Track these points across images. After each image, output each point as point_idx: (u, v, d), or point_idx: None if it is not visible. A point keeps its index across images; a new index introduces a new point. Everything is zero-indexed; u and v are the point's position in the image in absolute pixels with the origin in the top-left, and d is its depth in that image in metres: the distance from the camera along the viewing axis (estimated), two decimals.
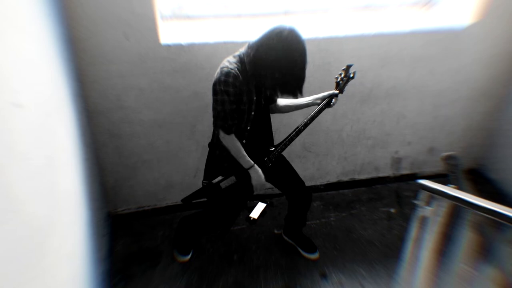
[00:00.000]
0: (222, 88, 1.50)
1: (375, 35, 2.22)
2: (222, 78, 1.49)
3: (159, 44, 1.94)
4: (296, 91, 1.55)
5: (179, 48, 1.98)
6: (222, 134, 1.63)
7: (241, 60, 1.56)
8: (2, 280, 0.85)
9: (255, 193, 1.76)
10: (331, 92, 1.83)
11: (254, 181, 1.72)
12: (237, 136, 1.67)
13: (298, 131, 1.78)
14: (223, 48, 2.00)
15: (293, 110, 1.91)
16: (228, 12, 2.14)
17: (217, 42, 2.01)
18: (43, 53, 1.41)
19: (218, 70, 1.53)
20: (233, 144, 1.65)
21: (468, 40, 2.35)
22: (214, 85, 1.53)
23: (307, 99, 1.86)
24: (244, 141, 1.71)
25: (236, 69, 1.51)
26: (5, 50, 1.03)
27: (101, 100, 2.02)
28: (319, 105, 1.82)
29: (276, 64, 1.46)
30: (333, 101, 1.83)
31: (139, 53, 1.94)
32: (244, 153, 1.67)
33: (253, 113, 1.65)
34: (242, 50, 1.59)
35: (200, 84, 2.09)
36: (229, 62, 1.55)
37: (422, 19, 2.36)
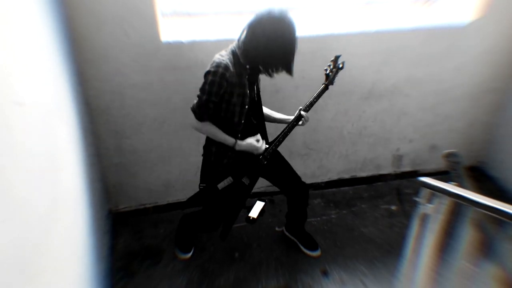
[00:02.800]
0: (209, 77, 1.53)
1: (376, 32, 2.21)
2: (212, 68, 1.52)
3: (160, 42, 1.93)
4: (289, 66, 1.56)
5: (179, 45, 1.97)
6: (194, 120, 1.64)
7: (233, 53, 1.57)
8: (4, 278, 0.85)
9: (257, 153, 1.75)
10: (297, 114, 1.79)
11: (248, 150, 1.72)
12: (230, 131, 1.68)
13: (292, 126, 1.78)
14: (224, 45, 1.99)
15: (268, 121, 1.89)
16: (228, 9, 2.13)
17: (218, 39, 2.00)
18: (44, 51, 1.41)
19: (211, 62, 1.56)
20: (207, 129, 1.67)
21: (469, 37, 2.34)
22: (204, 74, 1.56)
23: (281, 116, 1.88)
24: (239, 135, 1.71)
25: (227, 60, 1.53)
26: (6, 48, 1.03)
27: (102, 98, 2.02)
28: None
29: (265, 45, 1.48)
30: (302, 120, 1.79)
31: (139, 50, 1.93)
32: (223, 134, 1.67)
33: (247, 106, 1.66)
34: (234, 44, 1.60)
35: (201, 81, 2.07)
36: (220, 54, 1.57)
37: (424, 16, 2.35)
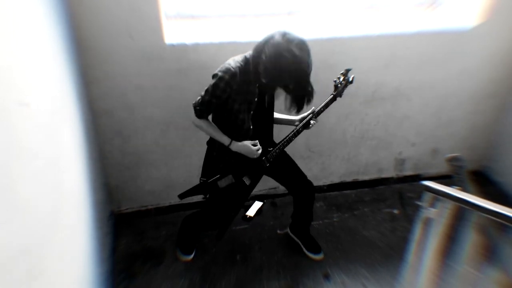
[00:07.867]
0: (215, 81, 1.55)
1: (379, 35, 2.21)
2: (220, 73, 1.53)
3: (164, 44, 1.94)
4: (300, 103, 1.55)
5: (183, 47, 1.98)
6: (193, 116, 1.67)
7: (246, 61, 1.58)
8: (6, 279, 0.85)
9: (255, 157, 1.76)
10: (309, 112, 1.81)
11: (242, 152, 1.73)
12: (234, 133, 1.70)
13: (297, 132, 1.80)
14: (228, 48, 2.00)
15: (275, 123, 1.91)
16: (232, 12, 2.14)
17: (221, 42, 2.01)
18: (48, 52, 1.42)
19: (222, 65, 1.57)
20: (205, 127, 1.69)
21: (473, 41, 2.34)
22: (212, 76, 1.58)
23: (287, 117, 1.88)
24: (241, 138, 1.73)
25: (237, 68, 1.54)
26: (12, 49, 1.04)
27: (105, 99, 2.03)
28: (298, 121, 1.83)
29: (273, 73, 1.45)
30: (311, 122, 1.81)
31: (143, 52, 1.94)
32: (219, 133, 1.69)
33: (252, 112, 1.67)
34: (250, 51, 1.60)
35: (204, 84, 2.08)
36: (233, 60, 1.57)
37: (427, 20, 2.35)
